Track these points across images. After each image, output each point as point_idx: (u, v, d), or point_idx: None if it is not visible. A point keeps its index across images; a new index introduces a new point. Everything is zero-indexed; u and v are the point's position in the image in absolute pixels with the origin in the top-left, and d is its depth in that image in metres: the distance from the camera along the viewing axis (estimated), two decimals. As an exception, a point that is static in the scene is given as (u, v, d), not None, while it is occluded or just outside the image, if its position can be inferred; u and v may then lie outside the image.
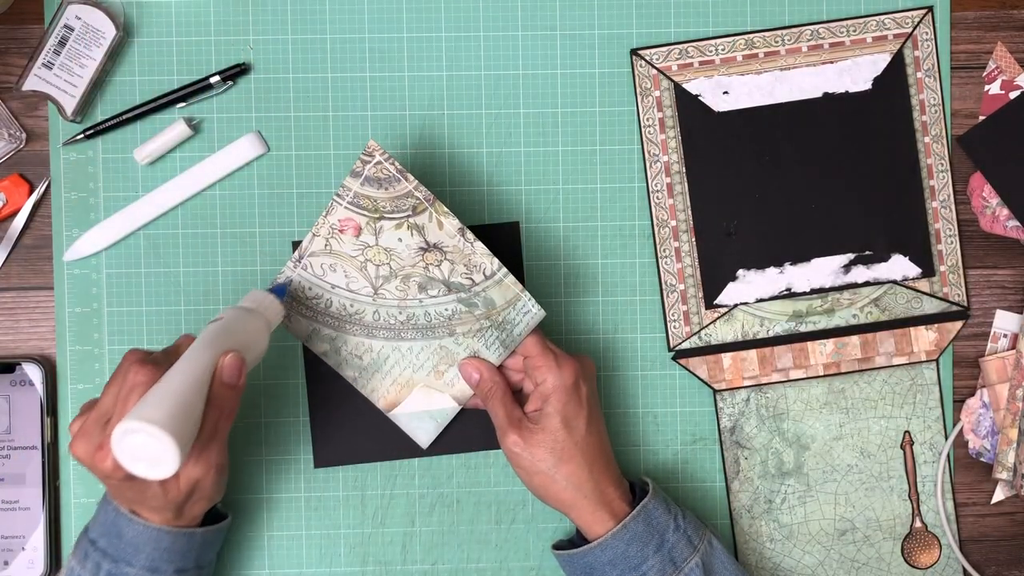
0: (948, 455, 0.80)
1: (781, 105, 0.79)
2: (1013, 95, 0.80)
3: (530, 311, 0.72)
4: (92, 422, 0.64)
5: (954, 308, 0.80)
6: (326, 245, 0.72)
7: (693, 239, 0.79)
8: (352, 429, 0.78)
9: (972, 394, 0.80)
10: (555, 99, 0.79)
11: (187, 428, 0.60)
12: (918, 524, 0.80)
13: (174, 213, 0.78)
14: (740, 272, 0.79)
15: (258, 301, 0.70)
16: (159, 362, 0.65)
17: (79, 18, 0.75)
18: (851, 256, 0.80)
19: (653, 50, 0.79)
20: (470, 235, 0.71)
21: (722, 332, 0.79)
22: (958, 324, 0.80)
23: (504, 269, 0.72)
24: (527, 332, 0.72)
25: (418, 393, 0.75)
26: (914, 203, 0.80)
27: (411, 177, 0.71)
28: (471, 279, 0.72)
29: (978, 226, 0.80)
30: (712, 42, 0.79)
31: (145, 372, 0.64)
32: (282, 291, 0.73)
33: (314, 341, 0.74)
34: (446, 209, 0.71)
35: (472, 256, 0.72)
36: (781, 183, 0.79)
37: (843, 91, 0.79)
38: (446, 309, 0.73)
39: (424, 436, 0.76)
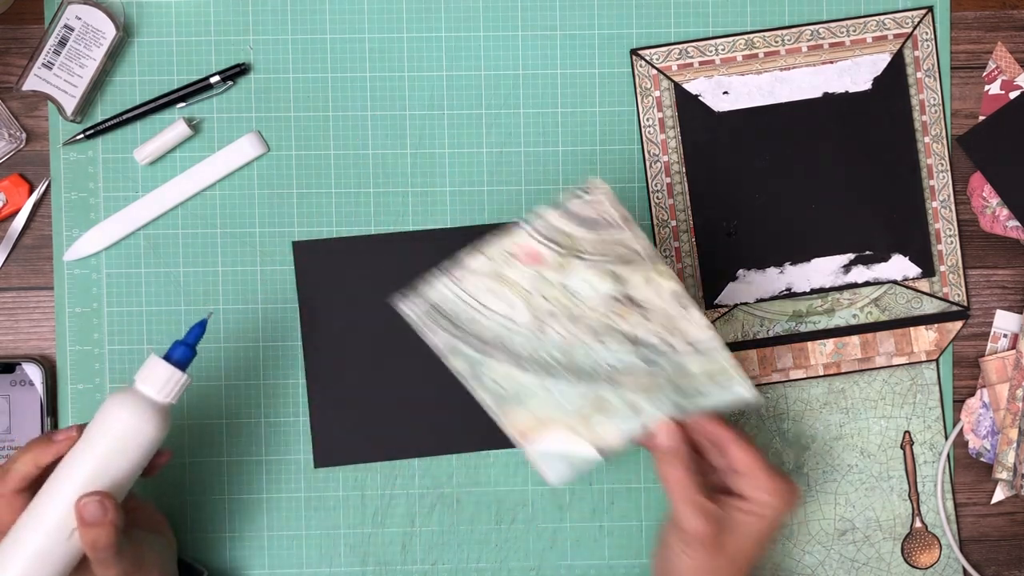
0: (948, 455, 0.80)
1: (781, 105, 0.79)
2: (1013, 95, 0.80)
3: (741, 396, 0.64)
4: None
5: (954, 308, 0.80)
6: (492, 268, 0.65)
7: (693, 239, 0.79)
8: (352, 429, 0.78)
9: (972, 394, 0.80)
10: (555, 99, 0.79)
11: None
12: (918, 524, 0.80)
13: (174, 213, 0.78)
14: (740, 272, 0.79)
15: (150, 380, 0.64)
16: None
17: (79, 18, 0.75)
18: (851, 256, 0.80)
19: (653, 50, 0.79)
20: (686, 300, 0.63)
21: (722, 332, 0.79)
22: (958, 324, 0.80)
23: (720, 343, 0.63)
24: (719, 409, 0.65)
25: (557, 432, 0.67)
26: (914, 203, 0.80)
27: (639, 231, 0.63)
28: (668, 343, 0.64)
29: (978, 226, 0.80)
30: (712, 42, 0.79)
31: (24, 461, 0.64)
32: (187, 351, 0.65)
33: (450, 358, 0.67)
34: (665, 268, 0.63)
35: (678, 321, 0.63)
36: (781, 183, 0.79)
37: (843, 91, 0.79)
38: (619, 361, 0.65)
39: (553, 476, 0.67)
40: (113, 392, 0.65)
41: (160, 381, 0.64)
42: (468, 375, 0.67)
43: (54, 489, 0.63)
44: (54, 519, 0.63)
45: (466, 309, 0.65)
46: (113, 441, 0.63)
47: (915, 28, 0.80)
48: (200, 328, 0.66)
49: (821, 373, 0.80)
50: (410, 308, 0.66)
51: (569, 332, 0.65)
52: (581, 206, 0.63)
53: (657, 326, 0.64)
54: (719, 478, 0.66)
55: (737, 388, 0.64)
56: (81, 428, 0.65)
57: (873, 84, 0.79)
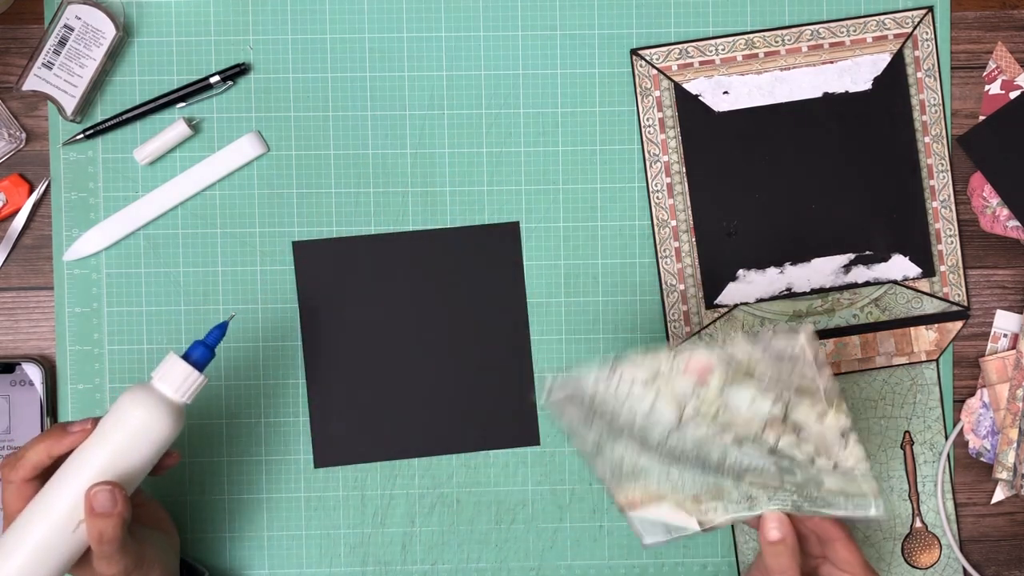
0: (948, 455, 0.80)
1: (781, 105, 0.79)
2: (1013, 95, 0.80)
3: (869, 512, 0.64)
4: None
5: (954, 308, 0.80)
6: (653, 369, 0.64)
7: (693, 239, 0.79)
8: (352, 429, 0.78)
9: (972, 394, 0.80)
10: (555, 99, 0.79)
11: (50, 569, 0.63)
12: (918, 524, 0.80)
13: (174, 213, 0.78)
14: (740, 272, 0.79)
15: (167, 378, 0.64)
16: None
17: (79, 18, 0.76)
18: (851, 256, 0.80)
19: (653, 50, 0.79)
20: (851, 436, 0.63)
21: (722, 332, 0.79)
22: (958, 324, 0.80)
23: (870, 474, 0.64)
24: (839, 517, 0.65)
25: (665, 506, 0.67)
26: (914, 203, 0.80)
27: (827, 373, 0.62)
28: (812, 460, 0.64)
29: (978, 226, 0.80)
30: (712, 42, 0.79)
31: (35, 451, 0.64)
32: (207, 352, 0.65)
33: (577, 435, 0.67)
34: (843, 407, 0.63)
35: (832, 447, 0.63)
36: (781, 183, 0.79)
37: (843, 91, 0.79)
38: (750, 462, 0.65)
39: (649, 538, 0.68)
40: (130, 387, 0.65)
41: (177, 380, 0.64)
42: (590, 448, 0.67)
43: (64, 480, 0.63)
44: (61, 510, 0.63)
45: (610, 400, 0.65)
46: (126, 436, 0.63)
47: (915, 28, 0.80)
48: (221, 330, 0.66)
49: (821, 373, 0.80)
50: (555, 388, 0.66)
51: (708, 433, 0.65)
52: (777, 341, 0.62)
53: (808, 446, 0.64)
54: (810, 564, 0.69)
55: (869, 509, 0.64)
56: (96, 421, 0.65)
57: (873, 84, 0.79)
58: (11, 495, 0.64)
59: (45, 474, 0.65)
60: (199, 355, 0.65)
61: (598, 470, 0.68)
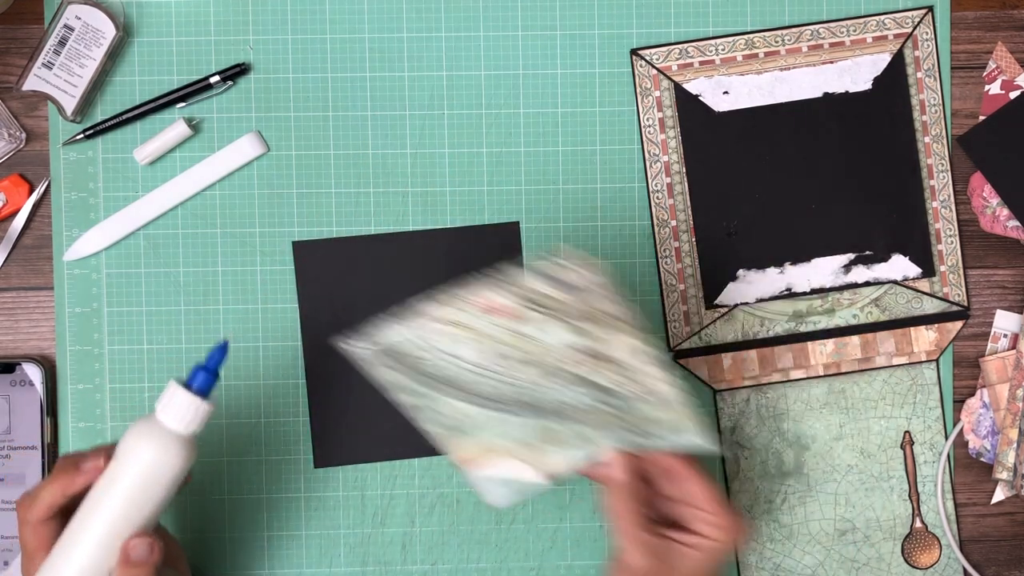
0: (948, 455, 0.80)
1: (781, 105, 0.79)
2: (1013, 95, 0.80)
3: (696, 444, 0.63)
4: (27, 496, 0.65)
5: (954, 308, 0.80)
6: (449, 314, 0.63)
7: (693, 239, 0.79)
8: (352, 429, 0.78)
9: (972, 394, 0.80)
10: (555, 99, 0.79)
11: None
12: (918, 524, 0.80)
13: (174, 213, 0.78)
14: (740, 272, 0.79)
15: (173, 412, 0.62)
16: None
17: (79, 18, 0.76)
18: (851, 256, 0.80)
19: (653, 50, 0.79)
20: (647, 357, 0.63)
21: (722, 332, 0.79)
22: (958, 324, 0.80)
23: (679, 397, 0.63)
24: (670, 452, 0.64)
25: (501, 460, 0.65)
26: (914, 203, 0.80)
27: (614, 293, 0.63)
28: (627, 389, 0.63)
29: (978, 226, 0.80)
30: (712, 42, 0.79)
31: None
32: (209, 378, 0.63)
33: (396, 393, 0.65)
34: (633, 328, 0.63)
35: (638, 374, 0.63)
36: (781, 183, 0.79)
37: (843, 91, 0.79)
38: (571, 399, 0.64)
39: (498, 499, 0.66)
40: (135, 423, 0.63)
41: (182, 412, 0.62)
42: (411, 408, 0.65)
43: (85, 529, 0.62)
44: (86, 560, 0.62)
45: (416, 351, 0.63)
46: (138, 478, 0.62)
47: (915, 28, 0.80)
48: (221, 352, 0.63)
49: (821, 373, 0.80)
50: (357, 349, 0.64)
51: (522, 372, 0.63)
52: (559, 271, 0.62)
53: (617, 375, 0.63)
54: (666, 507, 0.65)
55: (691, 438, 0.63)
56: (108, 453, 0.63)
57: (873, 84, 0.79)
58: (28, 535, 0.63)
59: (61, 512, 0.64)
60: (202, 382, 0.63)
61: (426, 426, 0.65)
